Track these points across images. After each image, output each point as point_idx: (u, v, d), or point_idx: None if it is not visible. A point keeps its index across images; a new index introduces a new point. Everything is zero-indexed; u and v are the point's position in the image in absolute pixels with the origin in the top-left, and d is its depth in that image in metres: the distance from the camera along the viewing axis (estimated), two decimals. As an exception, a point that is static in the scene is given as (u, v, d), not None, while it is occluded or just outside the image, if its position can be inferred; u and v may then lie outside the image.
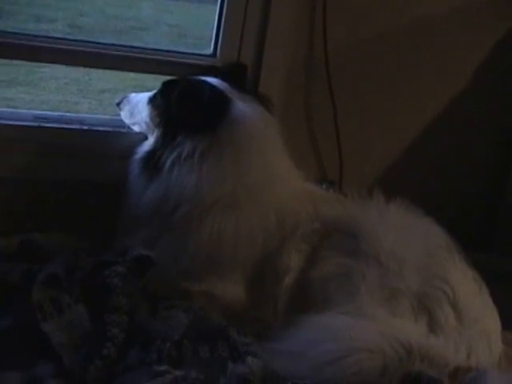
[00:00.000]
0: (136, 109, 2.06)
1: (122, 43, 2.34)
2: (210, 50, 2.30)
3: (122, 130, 2.12)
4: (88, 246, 1.94)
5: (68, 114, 2.33)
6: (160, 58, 2.26)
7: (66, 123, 2.18)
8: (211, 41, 2.30)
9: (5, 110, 2.23)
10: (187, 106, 1.88)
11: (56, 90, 4.41)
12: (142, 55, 2.24)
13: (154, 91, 2.04)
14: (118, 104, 2.10)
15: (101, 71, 3.96)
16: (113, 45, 2.27)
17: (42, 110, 3.80)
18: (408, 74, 2.53)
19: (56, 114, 2.27)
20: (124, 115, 2.09)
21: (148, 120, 2.02)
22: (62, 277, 1.70)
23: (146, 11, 4.95)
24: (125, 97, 2.09)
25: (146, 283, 1.78)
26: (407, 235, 1.85)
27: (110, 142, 2.15)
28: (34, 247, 1.93)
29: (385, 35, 2.47)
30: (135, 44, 2.38)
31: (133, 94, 2.09)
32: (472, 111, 2.67)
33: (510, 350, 1.84)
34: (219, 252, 1.86)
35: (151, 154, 1.93)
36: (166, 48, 2.37)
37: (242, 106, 1.92)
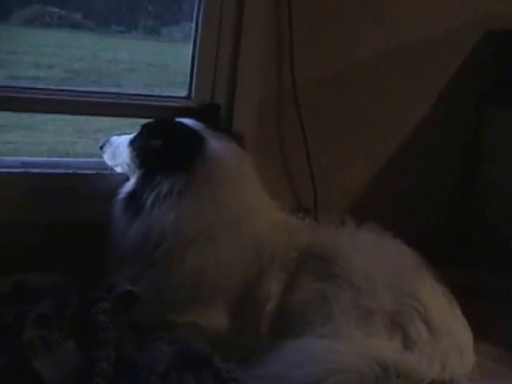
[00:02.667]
0: (117, 151, 2.03)
1: (105, 90, 2.35)
2: (186, 92, 2.29)
3: (106, 171, 2.09)
4: (78, 285, 1.90)
5: (54, 158, 2.30)
6: (137, 102, 2.25)
7: (52, 167, 2.15)
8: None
9: (-7, 158, 2.22)
10: (164, 146, 1.87)
11: (54, 131, 4.37)
12: (120, 100, 2.23)
13: (134, 133, 2.02)
14: (101, 147, 2.08)
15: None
16: (92, 92, 2.26)
17: (40, 152, 3.83)
18: (373, 104, 2.52)
19: (42, 159, 2.27)
20: (106, 157, 2.07)
21: (128, 161, 1.99)
22: (51, 315, 1.67)
23: (136, 54, 4.96)
24: (107, 140, 2.07)
25: (132, 317, 1.75)
26: (378, 257, 1.84)
27: (95, 184, 2.12)
28: (28, 288, 1.90)
29: (349, 66, 2.47)
30: (112, 90, 2.34)
31: (114, 137, 2.07)
32: (434, 135, 2.68)
33: (482, 362, 1.80)
34: (201, 283, 1.83)
35: (132, 194, 1.91)
36: (145, 92, 2.36)
37: (216, 144, 1.90)
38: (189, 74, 2.27)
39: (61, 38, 4.95)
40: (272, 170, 2.24)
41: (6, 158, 2.20)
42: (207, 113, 2.09)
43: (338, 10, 2.41)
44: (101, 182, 2.11)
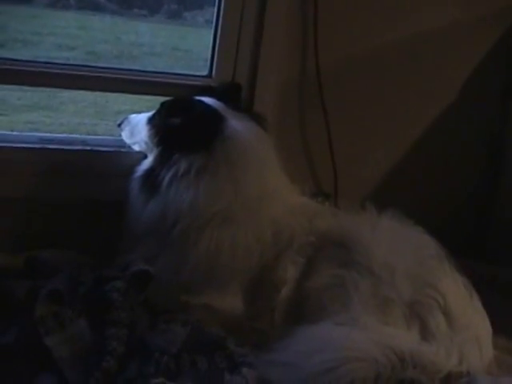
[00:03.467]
0: (136, 129, 2.00)
1: (127, 67, 2.28)
2: (207, 71, 2.25)
3: (123, 149, 2.06)
4: (91, 262, 1.88)
5: (71, 135, 2.26)
6: (157, 79, 2.21)
7: (69, 144, 2.12)
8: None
9: (11, 133, 2.17)
10: (183, 124, 1.84)
11: (75, 113, 4.34)
12: (141, 77, 2.19)
13: (153, 111, 1.98)
14: (120, 125, 2.05)
15: (117, 94, 3.93)
16: (112, 68, 2.21)
17: (60, 133, 3.80)
18: (398, 90, 2.48)
19: (60, 135, 2.22)
20: (125, 135, 2.04)
21: (147, 139, 1.96)
22: (64, 292, 1.65)
23: (158, 38, 4.94)
24: (125, 118, 2.04)
25: (146, 297, 1.73)
26: (398, 245, 1.79)
27: (112, 162, 2.09)
28: (40, 264, 1.88)
29: (374, 52, 2.42)
30: (134, 67, 2.31)
31: (133, 115, 2.04)
32: (460, 122, 2.62)
33: (500, 355, 1.77)
34: (217, 265, 1.79)
35: (150, 172, 1.88)
36: (167, 70, 2.31)
37: (237, 124, 1.87)
38: (210, 52, 2.23)
39: (83, 21, 4.93)
40: (292, 153, 2.22)
41: (24, 134, 2.18)
42: (228, 92, 2.04)
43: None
44: (118, 159, 2.07)
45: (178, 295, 1.78)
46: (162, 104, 1.98)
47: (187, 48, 5.01)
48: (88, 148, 2.12)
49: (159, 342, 1.59)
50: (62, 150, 2.09)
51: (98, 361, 1.50)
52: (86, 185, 2.09)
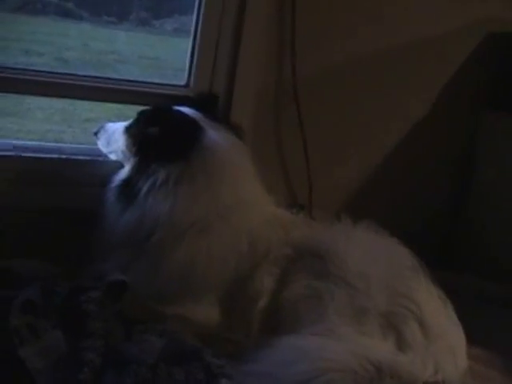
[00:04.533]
0: (112, 138, 1.99)
1: (100, 75, 2.26)
2: (184, 81, 2.25)
3: (99, 158, 2.05)
4: (64, 272, 1.87)
5: (47, 143, 2.24)
6: (135, 88, 2.21)
7: (45, 152, 2.10)
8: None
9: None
10: (161, 134, 1.83)
11: (42, 119, 4.30)
12: (118, 86, 2.19)
13: (130, 120, 1.98)
14: (96, 133, 2.03)
15: (84, 101, 3.90)
16: (91, 77, 2.20)
17: (28, 140, 3.76)
18: (373, 100, 2.50)
19: (35, 143, 2.20)
20: (101, 144, 2.03)
21: (124, 148, 1.95)
22: (39, 302, 1.64)
23: (127, 45, 4.91)
24: (102, 126, 2.03)
25: (121, 307, 1.71)
26: (374, 256, 1.80)
27: (88, 171, 2.09)
28: (12, 274, 1.85)
29: (349, 63, 2.45)
30: (112, 76, 2.30)
31: (109, 124, 2.03)
32: (433, 133, 2.65)
33: (474, 365, 1.78)
34: (192, 275, 1.79)
35: (127, 182, 1.87)
36: (142, 79, 2.30)
37: (214, 134, 1.87)
38: (188, 63, 2.23)
39: (52, 26, 4.89)
40: (267, 163, 2.22)
41: (-2, 141, 2.14)
42: (205, 103, 2.04)
43: (340, 6, 2.38)
44: (94, 168, 2.07)
45: (153, 305, 1.77)
46: (140, 113, 1.97)
47: (155, 56, 5.00)
48: (64, 157, 2.11)
49: (135, 352, 1.57)
50: (37, 158, 2.07)
51: (74, 372, 1.48)
52: (61, 193, 2.07)
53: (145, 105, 2.06)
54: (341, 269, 1.75)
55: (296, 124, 2.36)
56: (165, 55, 4.99)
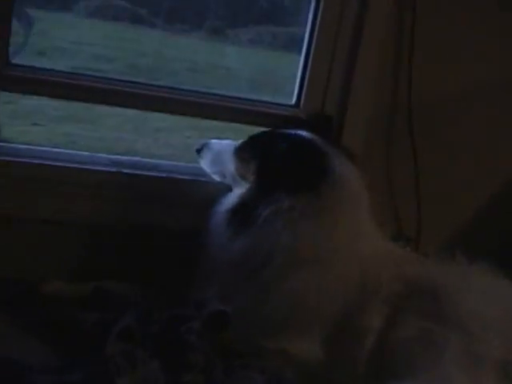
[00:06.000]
0: (219, 158, 1.91)
1: (190, 88, 2.19)
2: (293, 100, 2.17)
3: (201, 178, 1.98)
4: (163, 298, 1.81)
5: (144, 159, 2.17)
6: (237, 106, 2.13)
7: (143, 169, 2.05)
8: (292, 91, 2.17)
9: (80, 153, 2.10)
10: (286, 161, 1.75)
11: (112, 127, 4.27)
12: (219, 102, 2.12)
13: (239, 142, 1.89)
14: (199, 151, 1.94)
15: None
16: (185, 90, 2.14)
17: (100, 148, 3.74)
18: (489, 134, 2.39)
19: (132, 158, 2.14)
20: (204, 163, 1.94)
21: (234, 172, 1.87)
22: (137, 330, 1.60)
23: (199, 54, 4.91)
24: (205, 144, 1.94)
25: (221, 340, 1.66)
26: (491, 299, 1.72)
27: (188, 190, 2.01)
28: (108, 295, 1.83)
29: (466, 93, 2.32)
30: (210, 91, 2.22)
31: (214, 141, 1.94)
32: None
33: None
34: (300, 308, 1.71)
35: (241, 207, 1.79)
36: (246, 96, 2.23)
37: (339, 163, 1.79)
38: (298, 81, 2.15)
39: (124, 32, 4.92)
40: (375, 191, 2.13)
41: (95, 155, 2.08)
42: (318, 124, 1.98)
43: (465, 30, 2.27)
44: (195, 188, 2.00)
45: (255, 339, 1.70)
46: (254, 137, 1.89)
47: (228, 66, 4.98)
48: (163, 175, 2.05)
49: (236, 388, 1.54)
50: (135, 174, 2.02)
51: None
52: (160, 213, 2.02)
53: (250, 124, 2.03)
54: (455, 311, 1.67)
55: (409, 150, 2.26)
56: (238, 65, 4.97)
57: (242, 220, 1.76)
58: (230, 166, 1.88)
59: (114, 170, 1.99)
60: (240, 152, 1.88)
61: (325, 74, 2.13)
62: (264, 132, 1.92)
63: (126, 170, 2.00)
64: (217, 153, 1.92)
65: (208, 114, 2.14)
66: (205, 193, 1.91)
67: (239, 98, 2.17)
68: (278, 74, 3.94)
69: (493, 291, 1.75)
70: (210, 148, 1.93)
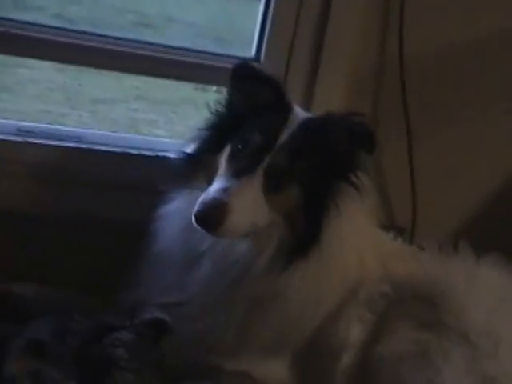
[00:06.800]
0: None
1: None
2: (252, 53, 2.11)
3: (133, 151, 1.96)
4: (89, 302, 1.86)
5: (62, 127, 2.12)
6: (186, 59, 2.09)
7: (59, 139, 2.01)
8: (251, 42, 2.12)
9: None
10: None
11: (37, 97, 4.24)
12: (165, 55, 2.09)
13: None
14: None
15: (94, 76, 3.82)
16: (124, 39, 2.10)
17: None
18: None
19: (45, 125, 2.10)
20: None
21: None
22: (48, 344, 1.60)
23: (152, 5, 4.99)
24: None
25: (160, 356, 1.67)
26: (504, 305, 1.75)
27: (119, 167, 2.00)
28: (12, 301, 1.86)
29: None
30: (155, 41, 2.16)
31: None
32: None
33: None
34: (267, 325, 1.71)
35: None
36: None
37: None
38: (258, 31, 2.11)
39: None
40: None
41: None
42: None
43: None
44: (127, 164, 2.00)
45: (207, 357, 1.71)
46: None
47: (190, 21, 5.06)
48: (84, 146, 2.00)
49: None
50: (49, 145, 1.97)
51: None
52: (81, 196, 2.00)
53: (193, 81, 2.10)
54: (460, 320, 1.68)
55: (401, 125, 2.28)
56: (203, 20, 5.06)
57: None
58: None
59: (19, 139, 1.94)
60: None
61: (291, 23, 2.10)
62: None
63: (35, 140, 1.95)
64: None
65: (152, 70, 2.13)
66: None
67: (191, 50, 2.15)
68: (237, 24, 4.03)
69: (505, 294, 1.79)
70: None
